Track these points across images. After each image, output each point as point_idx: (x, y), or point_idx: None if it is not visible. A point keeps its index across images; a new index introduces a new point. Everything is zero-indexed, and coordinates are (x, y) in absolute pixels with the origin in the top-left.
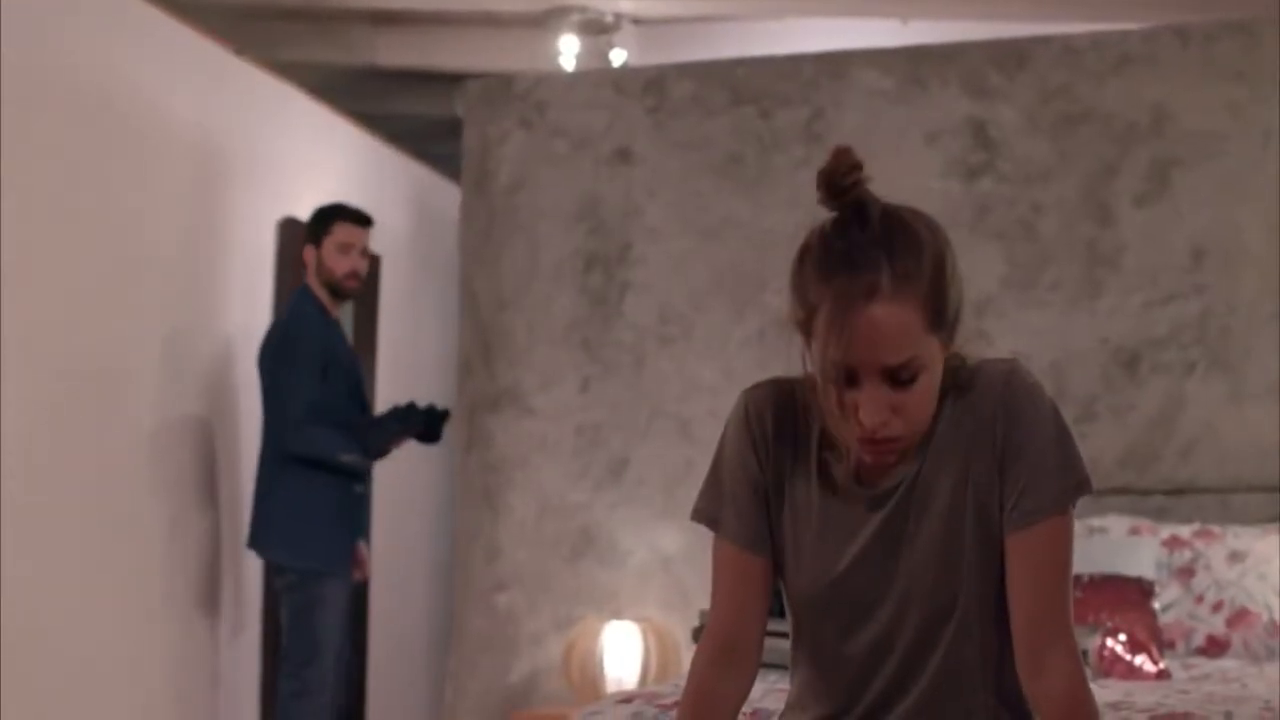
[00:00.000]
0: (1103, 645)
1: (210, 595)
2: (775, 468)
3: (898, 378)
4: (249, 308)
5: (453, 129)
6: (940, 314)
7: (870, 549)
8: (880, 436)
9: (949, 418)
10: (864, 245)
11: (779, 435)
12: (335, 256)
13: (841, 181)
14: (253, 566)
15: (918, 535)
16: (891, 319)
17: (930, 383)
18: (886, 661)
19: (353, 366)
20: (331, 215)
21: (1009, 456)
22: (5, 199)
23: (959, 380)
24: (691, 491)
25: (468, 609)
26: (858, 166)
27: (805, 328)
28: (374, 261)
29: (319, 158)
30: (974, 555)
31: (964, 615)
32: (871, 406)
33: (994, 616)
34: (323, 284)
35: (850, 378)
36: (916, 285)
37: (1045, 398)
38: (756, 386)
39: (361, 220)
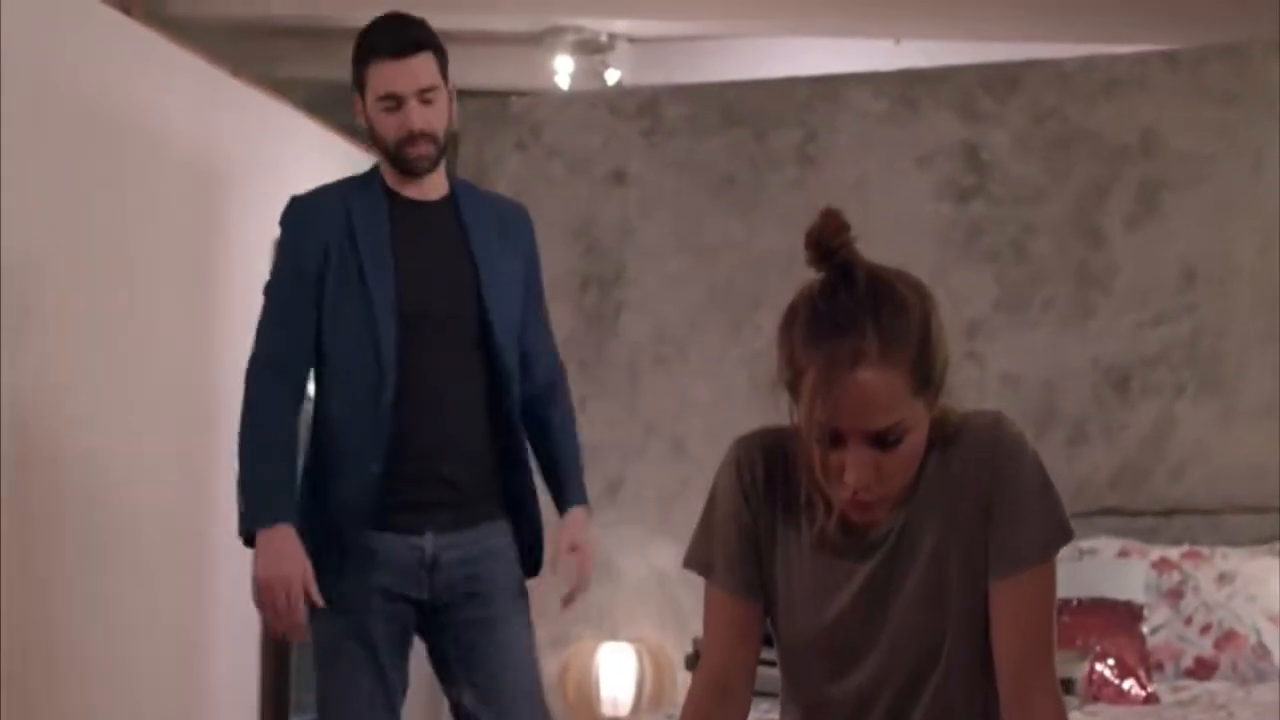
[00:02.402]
0: (1091, 669)
1: (205, 597)
2: (766, 517)
3: (884, 440)
4: (247, 327)
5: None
6: (926, 377)
7: (859, 599)
8: (865, 498)
9: (935, 469)
10: (850, 309)
11: (769, 485)
12: (380, 115)
13: (829, 243)
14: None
15: (905, 584)
16: (878, 384)
17: (915, 443)
18: (875, 706)
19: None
20: (364, 54)
21: (994, 506)
22: (5, 219)
23: (945, 432)
24: (687, 509)
25: None
26: (845, 228)
27: (792, 388)
28: None
29: (317, 176)
30: (960, 602)
31: (950, 660)
32: (857, 468)
33: (980, 661)
34: (383, 155)
35: (836, 439)
36: (903, 350)
37: (1029, 449)
38: (748, 436)
39: (400, 48)
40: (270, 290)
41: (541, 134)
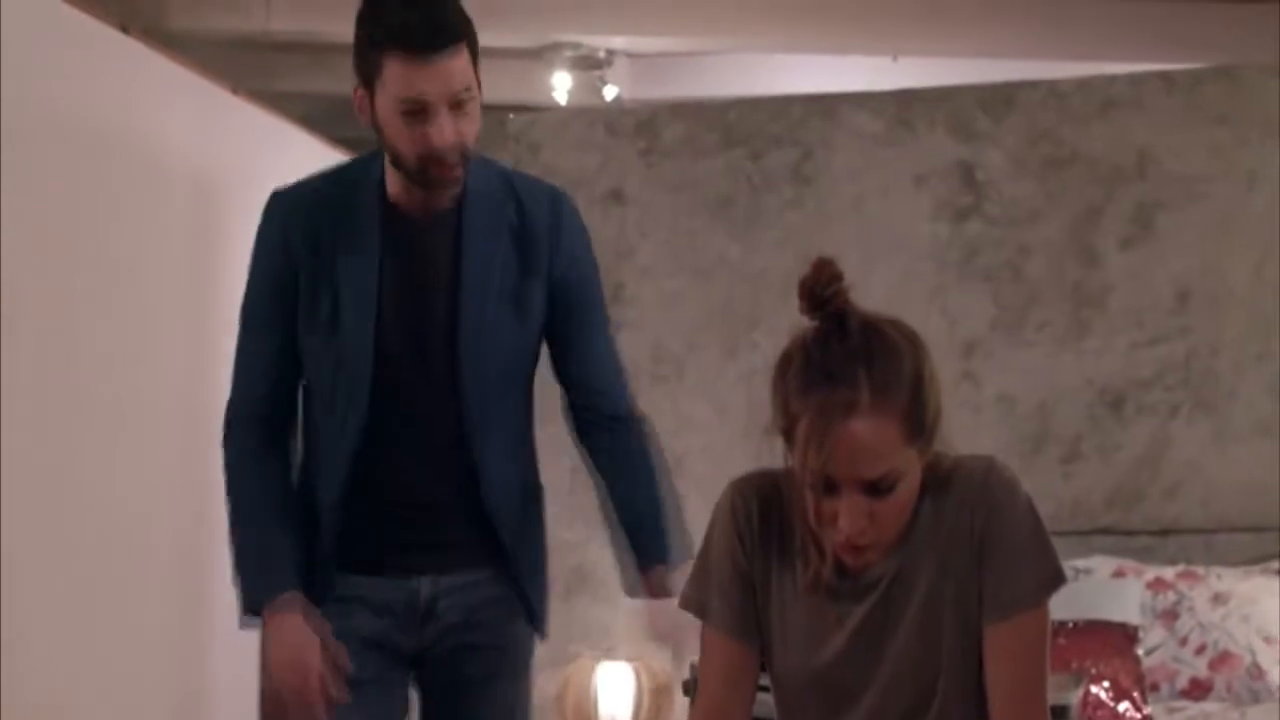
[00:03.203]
0: (1087, 692)
1: (204, 609)
2: (761, 559)
3: (876, 488)
4: None
5: None
6: (918, 425)
7: (854, 641)
8: (859, 543)
9: (928, 513)
10: (843, 359)
11: (765, 527)
12: (398, 122)
13: (822, 292)
14: None
15: (899, 627)
16: (870, 434)
17: (908, 490)
18: None
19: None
20: (379, 39)
21: (987, 550)
22: (4, 237)
23: (938, 475)
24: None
25: None
26: (838, 277)
27: (787, 435)
28: None
29: None
30: (953, 644)
31: (944, 700)
32: (850, 515)
33: (974, 700)
34: (394, 164)
35: (830, 487)
36: (895, 398)
37: (1022, 493)
38: (743, 479)
39: (431, 41)
40: (244, 314)
41: (539, 152)
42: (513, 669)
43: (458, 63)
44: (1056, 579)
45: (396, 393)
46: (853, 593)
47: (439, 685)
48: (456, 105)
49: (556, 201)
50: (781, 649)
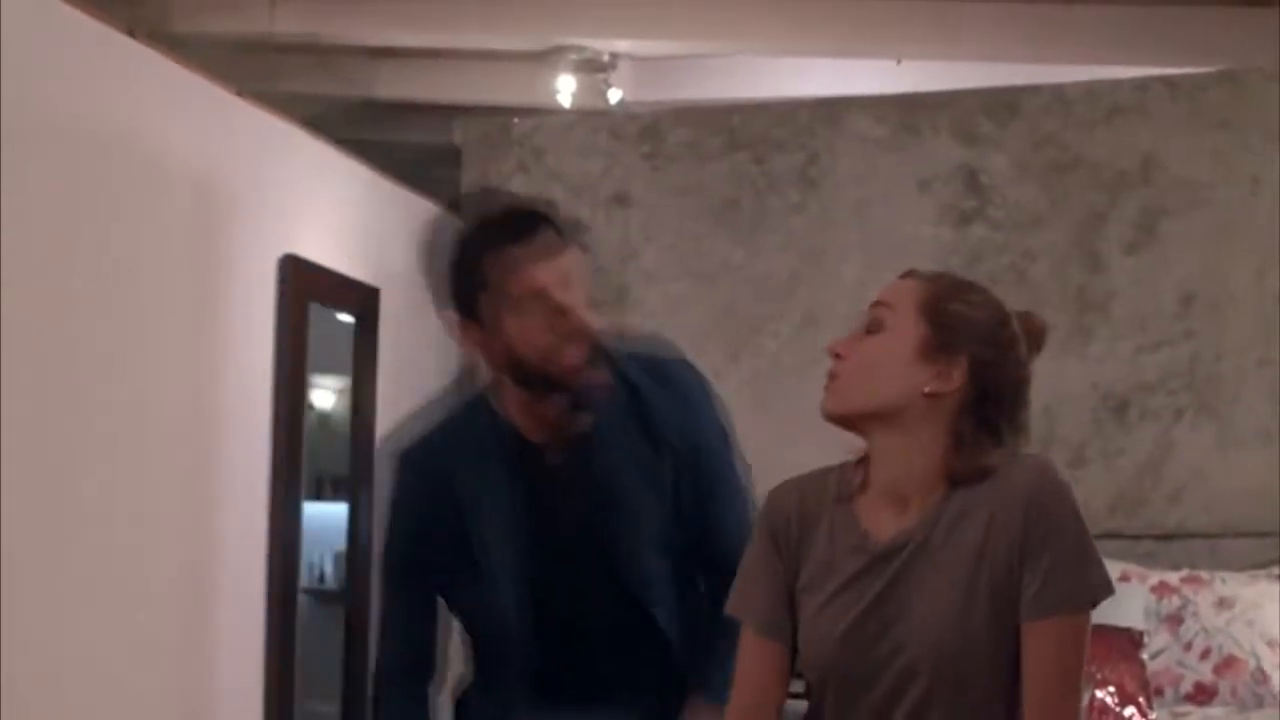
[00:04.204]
0: (1092, 697)
1: (206, 616)
2: (798, 556)
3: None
4: (249, 344)
5: (450, 157)
6: (941, 327)
7: (874, 608)
8: (834, 367)
9: (964, 497)
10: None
11: (802, 519)
12: (514, 323)
13: None
14: (254, 583)
15: (920, 604)
16: (907, 289)
17: (883, 353)
18: None
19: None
20: (493, 234)
21: (1034, 548)
22: (5, 239)
23: (982, 467)
24: None
25: (467, 641)
26: None
27: None
28: (373, 295)
29: (319, 194)
30: (986, 636)
31: (972, 694)
32: (843, 338)
33: (1004, 701)
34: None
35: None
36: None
37: (1073, 498)
38: (782, 484)
39: (528, 230)
40: (386, 572)
41: (543, 157)
42: None
43: (557, 242)
44: (1103, 587)
45: (566, 626)
46: (876, 557)
47: None
48: (567, 287)
49: (675, 383)
50: (809, 627)
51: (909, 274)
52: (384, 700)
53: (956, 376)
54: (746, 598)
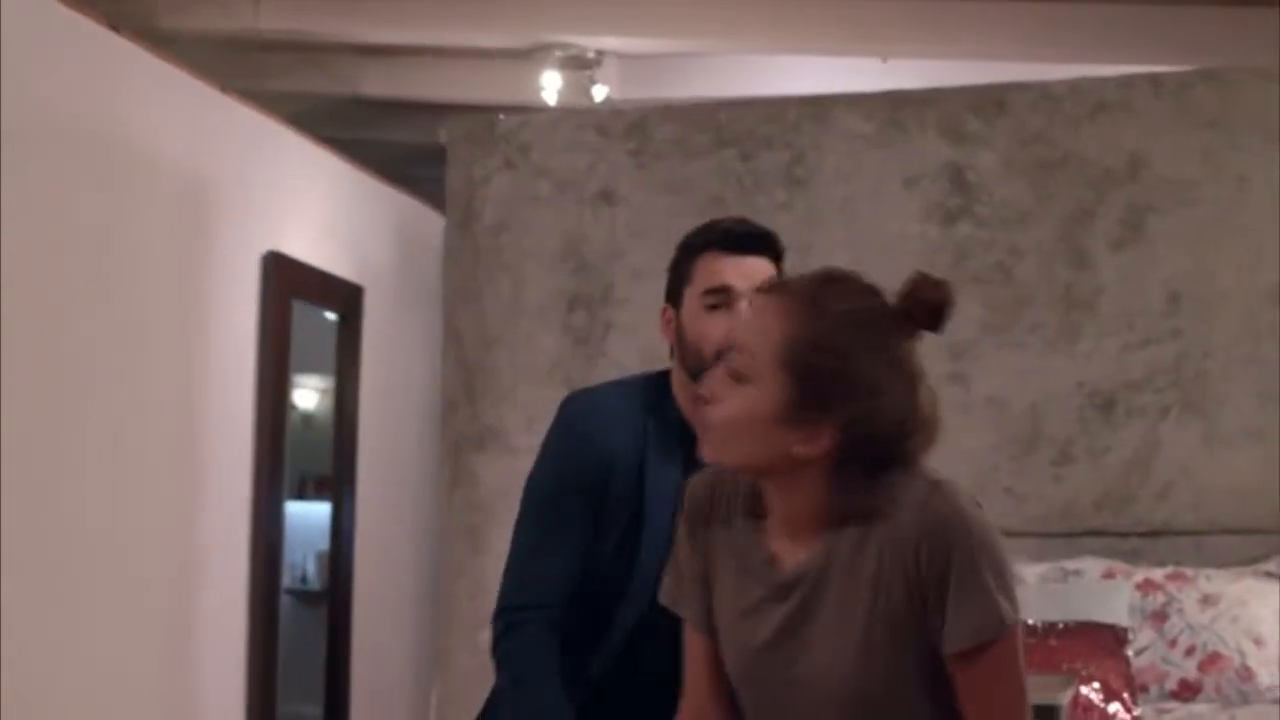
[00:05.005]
0: (1077, 693)
1: (189, 616)
2: (707, 550)
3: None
4: (233, 341)
5: (435, 155)
6: (803, 376)
7: (778, 636)
8: (704, 414)
9: (859, 531)
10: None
11: (709, 519)
12: (700, 317)
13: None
14: (237, 583)
15: (821, 640)
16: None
17: (747, 407)
18: None
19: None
20: (697, 246)
21: (929, 586)
22: None
23: (870, 509)
24: None
25: (452, 645)
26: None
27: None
28: (356, 293)
29: (304, 191)
30: (890, 670)
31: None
32: (709, 379)
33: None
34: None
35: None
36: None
37: (969, 525)
38: (696, 475)
39: (743, 244)
40: (540, 510)
41: (530, 154)
42: None
43: (767, 267)
44: (1013, 612)
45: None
46: (778, 586)
47: None
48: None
49: None
50: (725, 637)
51: (767, 291)
52: (516, 638)
53: (825, 439)
54: (678, 591)
